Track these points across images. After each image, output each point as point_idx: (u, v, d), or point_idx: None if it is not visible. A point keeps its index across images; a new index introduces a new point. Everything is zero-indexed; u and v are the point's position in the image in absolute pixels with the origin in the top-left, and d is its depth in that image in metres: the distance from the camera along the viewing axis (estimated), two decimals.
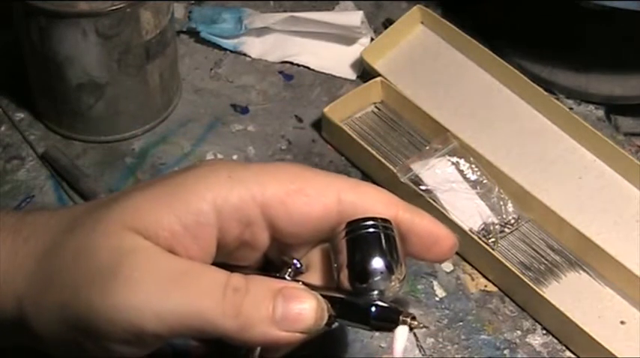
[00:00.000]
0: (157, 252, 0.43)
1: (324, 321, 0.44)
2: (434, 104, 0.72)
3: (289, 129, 0.73)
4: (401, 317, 0.45)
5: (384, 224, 0.46)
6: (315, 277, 0.48)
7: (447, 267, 0.64)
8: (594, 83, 0.76)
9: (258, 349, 0.47)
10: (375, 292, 0.45)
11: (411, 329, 0.45)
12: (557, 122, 0.72)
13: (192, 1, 0.81)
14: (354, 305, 0.45)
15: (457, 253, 0.65)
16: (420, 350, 0.60)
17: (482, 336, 0.61)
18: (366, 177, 0.69)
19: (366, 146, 0.68)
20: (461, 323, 0.61)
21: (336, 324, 0.46)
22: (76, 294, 0.43)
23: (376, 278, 0.45)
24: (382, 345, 0.60)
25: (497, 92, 0.75)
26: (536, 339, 0.61)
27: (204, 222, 0.44)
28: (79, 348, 0.44)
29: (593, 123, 0.73)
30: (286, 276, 0.47)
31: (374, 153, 0.68)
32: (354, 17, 0.78)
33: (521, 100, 0.74)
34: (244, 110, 0.74)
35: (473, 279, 0.64)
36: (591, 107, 0.76)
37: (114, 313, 0.42)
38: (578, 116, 0.72)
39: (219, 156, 0.70)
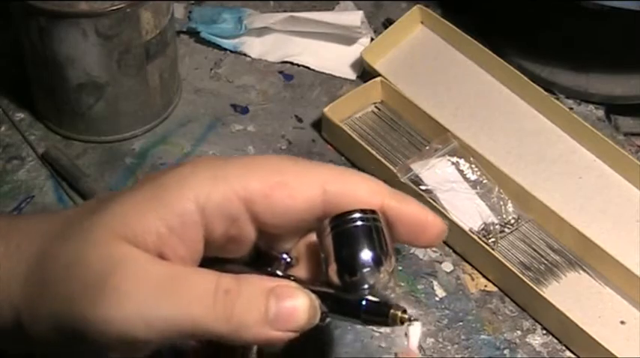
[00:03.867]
0: (145, 260, 0.43)
1: (317, 319, 0.44)
2: (434, 104, 0.72)
3: (289, 129, 0.73)
4: (391, 311, 0.44)
5: (370, 215, 0.45)
6: (305, 269, 0.48)
7: (447, 267, 0.64)
8: (594, 83, 0.76)
9: (255, 346, 0.47)
10: (365, 286, 0.45)
11: (401, 322, 0.44)
12: (557, 122, 0.72)
13: (192, 1, 0.81)
14: (345, 300, 0.45)
15: (457, 253, 0.65)
16: (420, 350, 0.60)
17: (482, 336, 0.61)
18: None
19: (366, 146, 0.68)
20: (461, 323, 0.61)
21: (329, 319, 0.46)
22: (69, 306, 0.43)
23: (365, 272, 0.44)
24: (382, 345, 0.60)
25: (497, 92, 0.75)
26: (536, 339, 0.61)
27: (189, 221, 0.44)
28: (78, 353, 0.44)
29: (593, 123, 0.73)
30: (277, 271, 0.47)
31: (374, 153, 0.68)
32: (354, 17, 0.78)
33: (521, 100, 0.74)
34: (244, 110, 0.74)
35: (473, 279, 0.64)
36: (591, 107, 0.76)
37: (105, 325, 0.42)
38: (578, 116, 0.72)
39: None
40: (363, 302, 0.45)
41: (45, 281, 0.44)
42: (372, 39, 0.78)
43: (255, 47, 0.78)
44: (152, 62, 0.68)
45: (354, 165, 0.70)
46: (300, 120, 0.73)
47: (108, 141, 0.70)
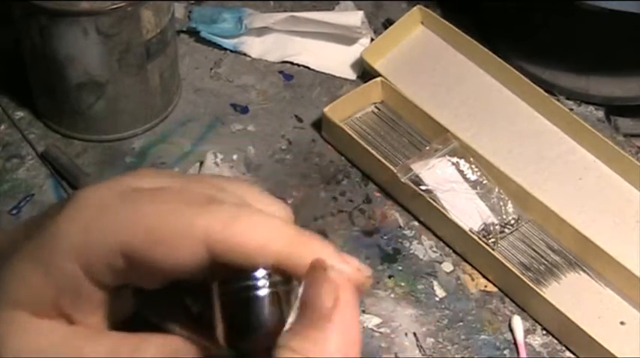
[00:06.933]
0: (30, 333, 0.44)
1: None
2: (434, 104, 0.72)
3: (289, 129, 0.73)
4: None
5: (255, 282, 0.40)
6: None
7: (447, 267, 0.64)
8: (594, 84, 0.76)
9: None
10: (250, 351, 0.43)
11: None
12: (558, 123, 0.72)
13: (193, 1, 0.81)
14: None
15: (457, 253, 0.65)
16: (419, 350, 0.60)
17: (483, 336, 0.61)
18: (366, 177, 0.69)
19: (366, 146, 0.68)
20: (461, 323, 0.61)
21: None
22: None
23: (248, 341, 0.43)
24: (382, 345, 0.60)
25: (497, 93, 0.75)
26: (536, 339, 0.61)
27: (74, 276, 0.44)
28: None
29: (593, 124, 0.73)
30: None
31: (374, 153, 0.68)
32: (354, 17, 0.78)
33: (521, 101, 0.74)
34: (244, 110, 0.74)
35: (473, 279, 0.64)
36: (591, 108, 0.76)
37: None
38: (579, 117, 0.72)
39: (220, 155, 0.70)
40: None
41: None
42: (372, 39, 0.78)
43: (255, 47, 0.78)
44: (152, 61, 0.68)
45: (353, 165, 0.70)
46: (300, 120, 0.73)
47: (108, 140, 0.70)
